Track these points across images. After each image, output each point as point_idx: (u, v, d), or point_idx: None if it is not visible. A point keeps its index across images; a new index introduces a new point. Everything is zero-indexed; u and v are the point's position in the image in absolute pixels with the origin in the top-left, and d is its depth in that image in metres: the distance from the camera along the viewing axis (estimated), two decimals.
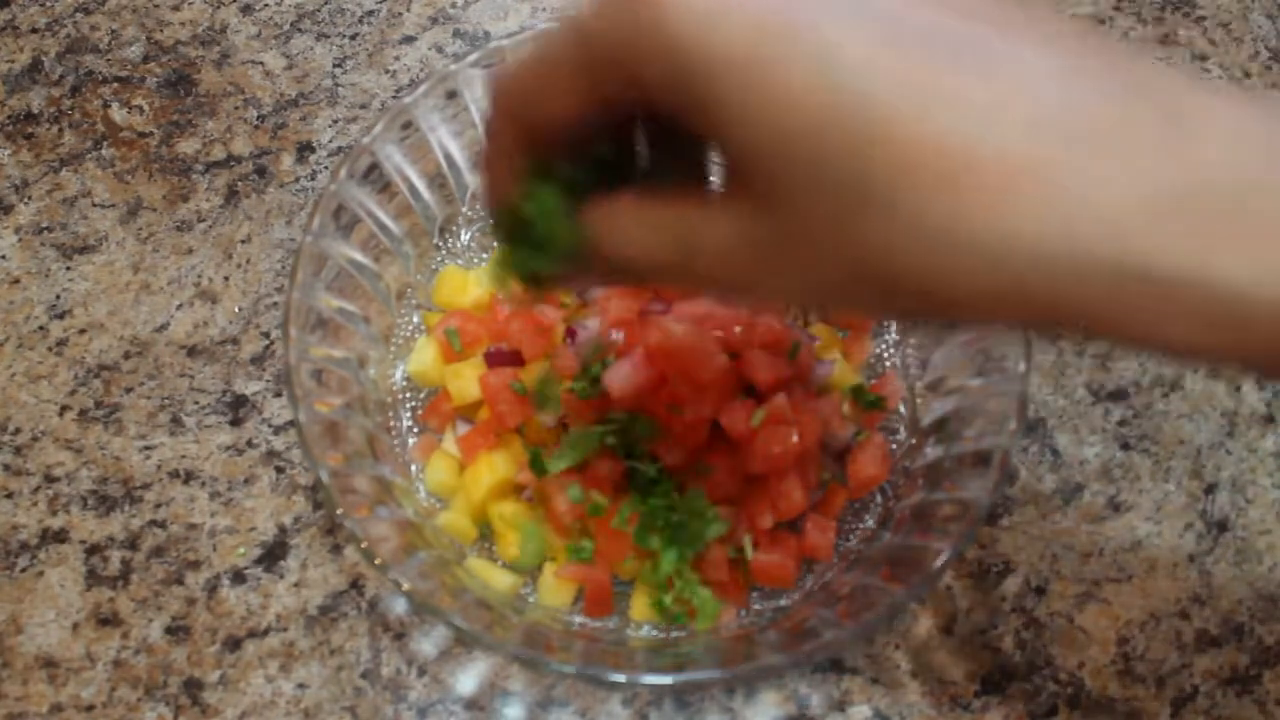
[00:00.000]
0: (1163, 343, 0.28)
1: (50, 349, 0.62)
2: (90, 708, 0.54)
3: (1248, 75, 0.68)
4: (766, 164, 0.29)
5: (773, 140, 0.28)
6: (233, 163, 0.67)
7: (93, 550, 0.57)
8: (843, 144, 0.27)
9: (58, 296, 0.64)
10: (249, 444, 0.59)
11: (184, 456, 0.59)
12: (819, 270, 0.30)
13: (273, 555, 0.56)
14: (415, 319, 0.60)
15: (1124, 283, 0.27)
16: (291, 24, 0.72)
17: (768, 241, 0.31)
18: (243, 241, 0.65)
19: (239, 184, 0.67)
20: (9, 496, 0.59)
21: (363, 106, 0.69)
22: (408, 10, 0.72)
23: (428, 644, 0.54)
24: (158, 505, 0.58)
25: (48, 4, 0.74)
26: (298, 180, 0.67)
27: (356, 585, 0.56)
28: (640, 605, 0.52)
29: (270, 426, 0.60)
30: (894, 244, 0.28)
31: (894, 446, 0.56)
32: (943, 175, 0.27)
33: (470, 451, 0.54)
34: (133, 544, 0.57)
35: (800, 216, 0.29)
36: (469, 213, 0.62)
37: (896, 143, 0.27)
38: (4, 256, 0.65)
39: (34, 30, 0.73)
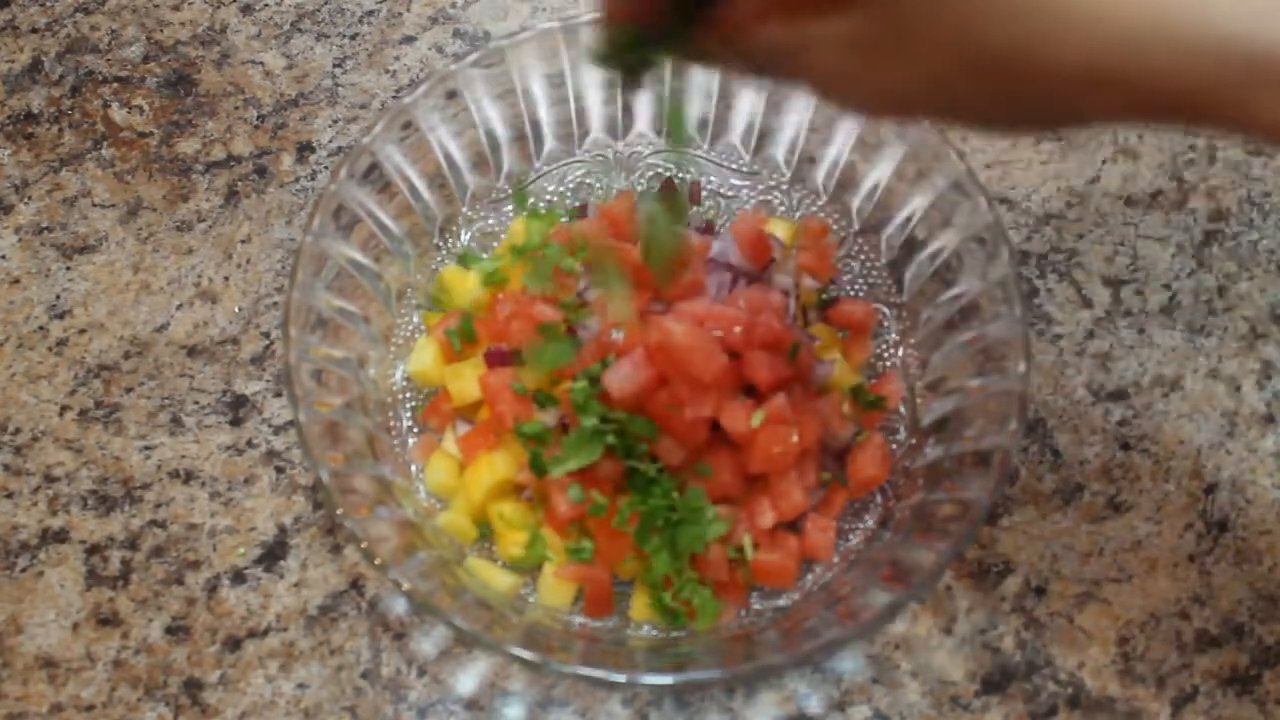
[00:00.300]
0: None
1: (50, 349, 0.62)
2: (90, 708, 0.54)
3: None
4: None
5: None
6: (233, 163, 0.67)
7: (93, 550, 0.57)
8: None
9: (58, 296, 0.64)
10: (249, 444, 0.59)
11: (184, 456, 0.59)
12: (925, 64, 0.31)
13: (273, 555, 0.56)
14: (415, 319, 0.60)
15: (1249, 62, 0.26)
16: (291, 24, 0.72)
17: (875, 39, 0.31)
18: (243, 241, 0.65)
19: (239, 184, 0.67)
20: (9, 496, 0.59)
21: (363, 106, 0.69)
22: (408, 10, 0.72)
23: (428, 644, 0.54)
24: (158, 505, 0.58)
25: (48, 4, 0.74)
26: (298, 180, 0.67)
27: (356, 585, 0.56)
28: (640, 605, 0.52)
29: (270, 426, 0.60)
30: (1006, 21, 0.28)
31: (894, 446, 0.56)
32: None
33: (470, 451, 0.54)
34: (133, 544, 0.57)
35: (907, 9, 0.30)
36: (469, 213, 0.62)
37: None
38: (4, 256, 0.65)
39: (34, 30, 0.73)
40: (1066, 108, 0.31)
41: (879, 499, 0.55)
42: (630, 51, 0.40)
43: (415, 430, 0.57)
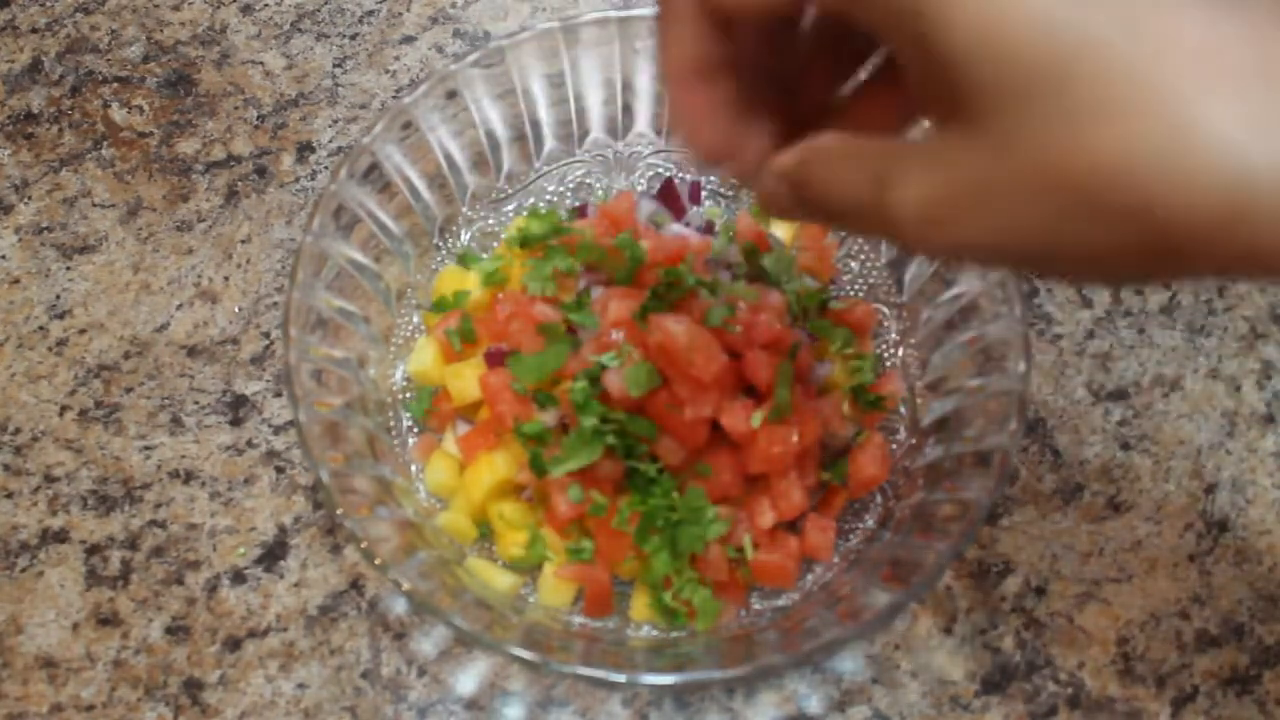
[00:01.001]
0: None
1: (50, 349, 0.62)
2: (90, 708, 0.54)
3: None
4: (974, 71, 0.27)
5: (982, 43, 0.27)
6: (233, 163, 0.67)
7: (93, 550, 0.57)
8: (1060, 52, 0.26)
9: (58, 296, 0.64)
10: (249, 444, 0.59)
11: (184, 456, 0.59)
12: (1026, 206, 0.28)
13: (273, 555, 0.56)
14: (415, 319, 0.60)
15: None
16: (291, 24, 0.72)
17: (970, 175, 0.29)
18: (243, 241, 0.65)
19: (239, 184, 0.67)
20: (9, 496, 0.59)
21: (363, 106, 0.69)
22: (408, 10, 0.72)
23: (428, 644, 0.54)
24: (158, 505, 0.58)
25: (48, 4, 0.74)
26: (298, 180, 0.67)
27: (356, 585, 0.56)
28: (640, 605, 0.52)
29: (270, 426, 0.60)
30: (1123, 157, 0.26)
31: (894, 446, 0.56)
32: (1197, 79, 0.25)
33: (470, 451, 0.54)
34: (133, 544, 0.57)
35: (1010, 136, 0.27)
36: (469, 213, 0.62)
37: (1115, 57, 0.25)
38: (4, 256, 0.65)
39: (34, 30, 0.73)
40: (1182, 265, 0.27)
41: (879, 499, 0.55)
42: None
43: (415, 430, 0.57)
